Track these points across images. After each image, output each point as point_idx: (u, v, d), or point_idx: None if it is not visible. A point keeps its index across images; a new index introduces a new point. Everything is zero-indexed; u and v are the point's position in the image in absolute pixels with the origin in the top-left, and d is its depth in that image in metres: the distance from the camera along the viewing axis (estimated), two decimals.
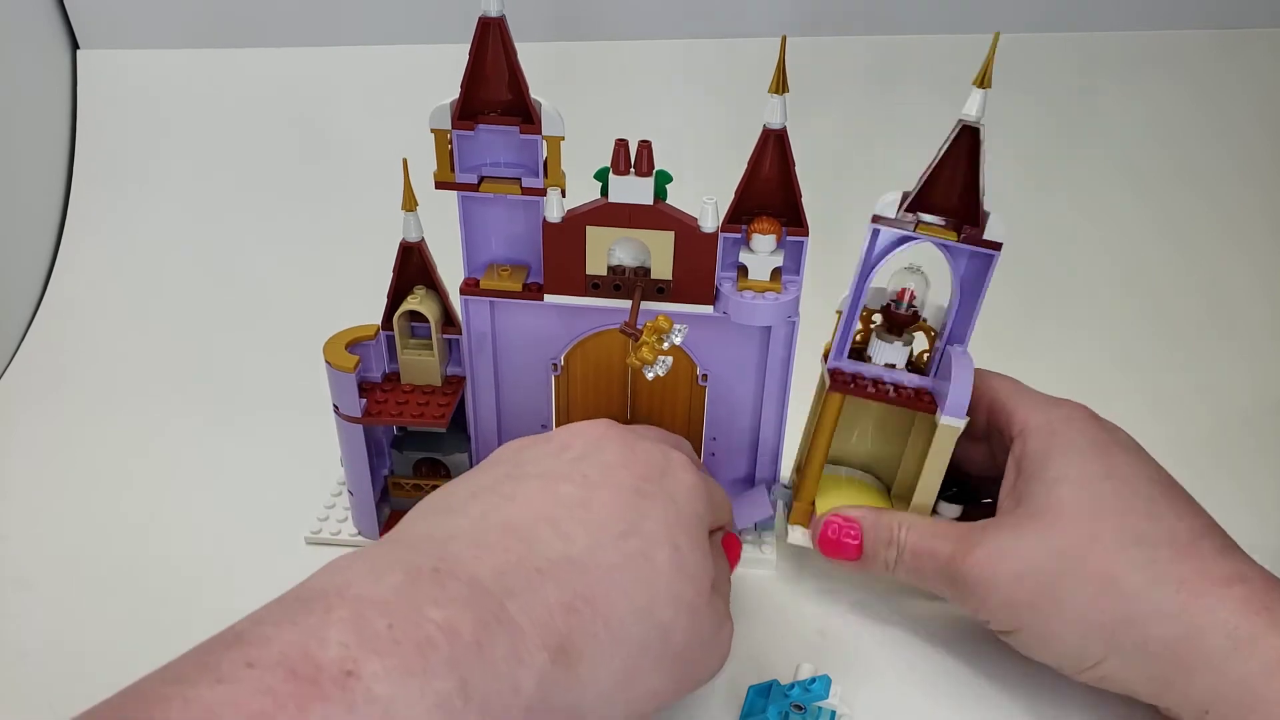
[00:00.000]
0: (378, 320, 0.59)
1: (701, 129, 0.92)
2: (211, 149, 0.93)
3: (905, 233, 0.55)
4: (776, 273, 0.56)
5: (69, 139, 0.92)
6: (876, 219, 0.55)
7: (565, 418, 0.63)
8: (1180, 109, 0.97)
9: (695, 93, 0.95)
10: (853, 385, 0.57)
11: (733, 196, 0.55)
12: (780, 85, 0.52)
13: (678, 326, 0.53)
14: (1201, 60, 0.97)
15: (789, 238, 0.56)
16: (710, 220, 0.54)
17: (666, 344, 0.52)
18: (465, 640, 0.34)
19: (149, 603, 0.59)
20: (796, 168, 0.54)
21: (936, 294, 0.59)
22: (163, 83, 0.93)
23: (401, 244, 0.58)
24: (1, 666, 0.55)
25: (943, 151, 0.54)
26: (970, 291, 0.57)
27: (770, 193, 0.55)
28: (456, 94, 0.53)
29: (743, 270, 0.57)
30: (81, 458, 0.71)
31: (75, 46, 0.93)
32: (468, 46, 0.52)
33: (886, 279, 0.58)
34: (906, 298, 0.58)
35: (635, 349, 0.52)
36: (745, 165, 0.54)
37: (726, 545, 0.53)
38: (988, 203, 0.54)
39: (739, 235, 0.56)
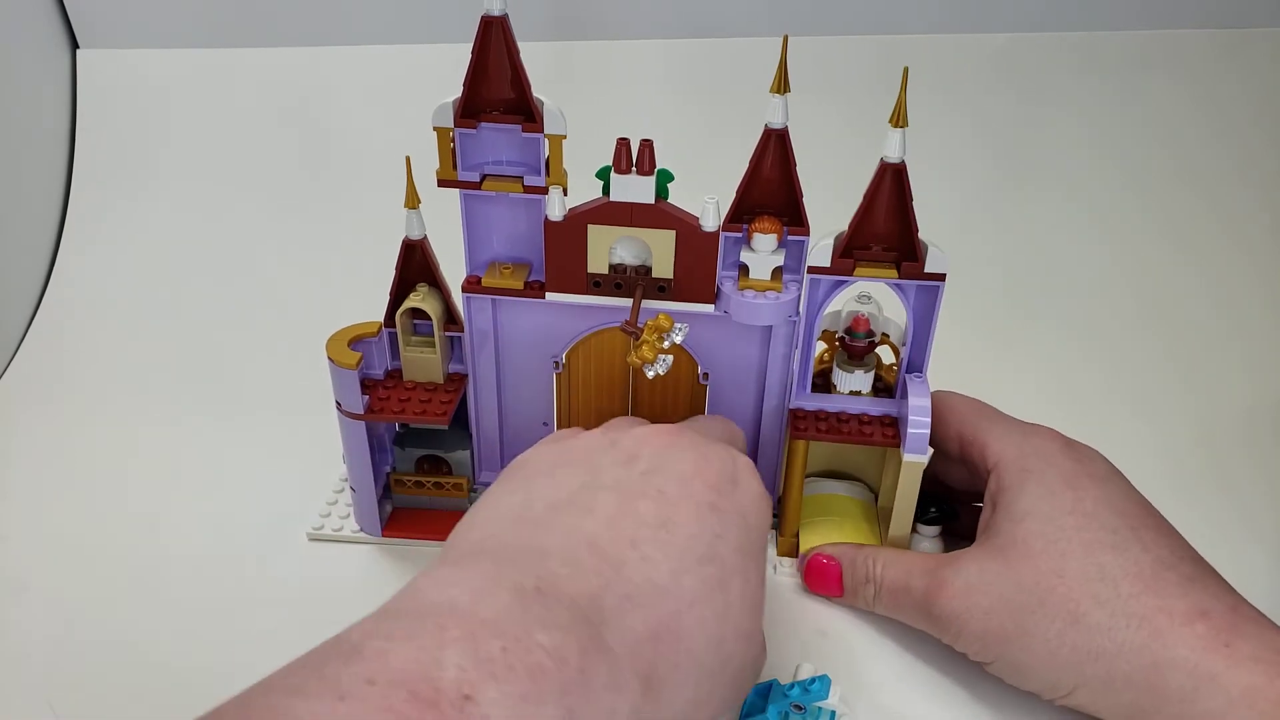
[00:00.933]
0: (380, 318, 0.59)
1: (702, 129, 0.91)
2: (212, 149, 0.93)
3: (843, 278, 0.56)
4: (778, 272, 0.56)
5: (69, 139, 0.92)
6: (812, 269, 0.56)
7: (566, 415, 0.63)
8: (1180, 109, 0.97)
9: (696, 93, 0.95)
10: (814, 429, 0.59)
11: (734, 196, 0.55)
12: (782, 85, 0.52)
13: (678, 325, 0.53)
14: (1202, 60, 0.97)
15: (790, 237, 0.56)
16: (711, 219, 0.54)
17: (667, 343, 0.53)
18: (572, 667, 0.35)
19: (151, 602, 0.59)
20: (798, 167, 0.54)
21: (895, 311, 0.60)
22: (163, 83, 0.93)
23: (404, 241, 0.58)
24: (1, 667, 0.55)
25: (869, 193, 0.54)
26: (922, 320, 0.57)
27: (772, 192, 0.55)
28: (459, 93, 0.53)
29: (744, 269, 0.57)
30: (81, 457, 0.71)
31: (75, 46, 0.92)
32: (469, 46, 0.52)
33: (841, 303, 0.59)
34: (862, 328, 0.59)
35: (636, 347, 0.52)
36: (746, 165, 0.54)
37: None
38: (943, 220, 0.55)
39: (740, 234, 0.56)
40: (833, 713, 0.51)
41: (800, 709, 0.50)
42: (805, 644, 0.57)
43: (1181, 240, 0.93)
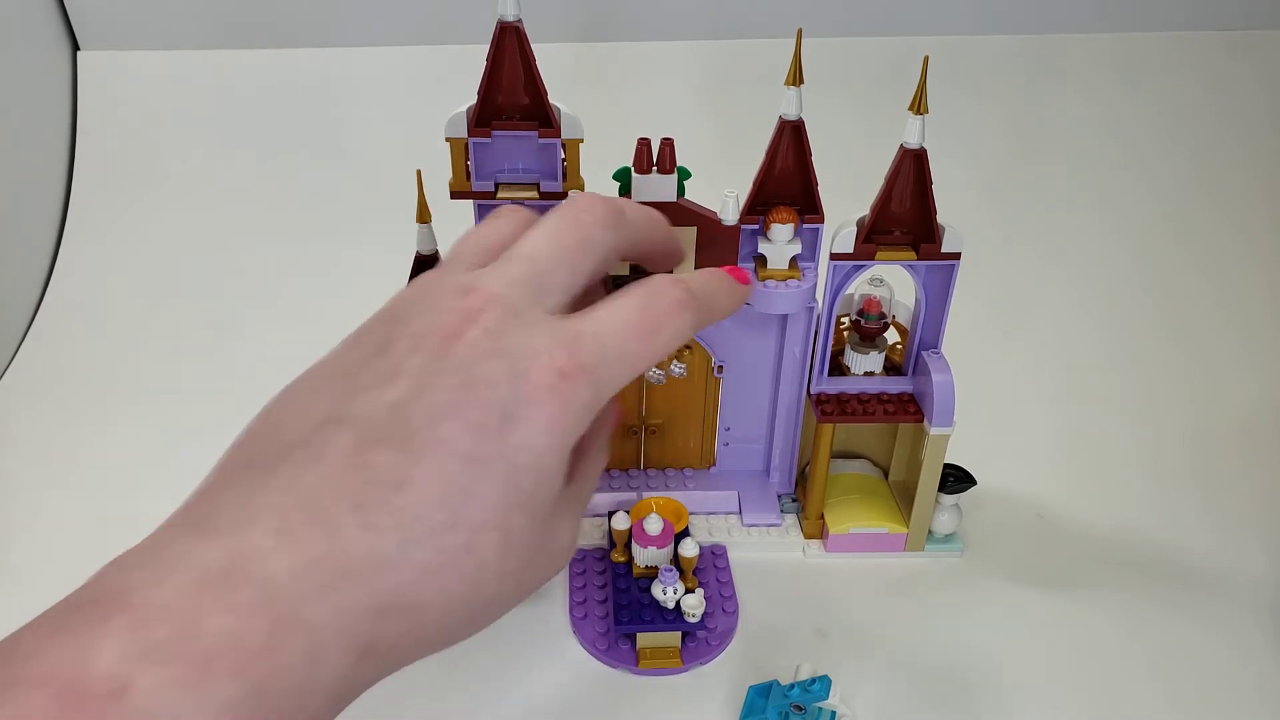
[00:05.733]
0: None
1: (705, 130, 0.92)
2: (212, 150, 0.93)
3: (864, 262, 0.57)
4: (793, 261, 0.57)
5: (69, 139, 0.92)
6: (835, 256, 0.56)
7: None
8: (1191, 110, 0.98)
9: (698, 93, 0.95)
10: (840, 412, 0.60)
11: (750, 188, 0.56)
12: (796, 77, 0.52)
13: None
14: (1212, 61, 0.98)
15: (805, 225, 0.56)
16: (732, 213, 0.55)
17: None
18: (252, 648, 0.32)
19: None
20: (813, 157, 0.55)
21: (902, 293, 0.60)
22: (163, 83, 0.93)
23: (416, 256, 0.56)
24: None
25: (890, 178, 0.55)
26: (937, 299, 0.58)
27: (787, 182, 0.55)
28: (464, 96, 0.52)
29: (760, 260, 0.57)
30: (81, 460, 0.70)
31: (75, 47, 0.92)
32: (472, 47, 0.51)
33: (851, 287, 0.59)
34: (875, 309, 0.60)
35: None
36: (754, 163, 0.55)
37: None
38: (953, 214, 0.56)
39: (756, 226, 0.56)
40: (833, 713, 0.51)
41: (800, 709, 0.50)
42: (805, 644, 0.57)
43: (1188, 236, 0.93)
